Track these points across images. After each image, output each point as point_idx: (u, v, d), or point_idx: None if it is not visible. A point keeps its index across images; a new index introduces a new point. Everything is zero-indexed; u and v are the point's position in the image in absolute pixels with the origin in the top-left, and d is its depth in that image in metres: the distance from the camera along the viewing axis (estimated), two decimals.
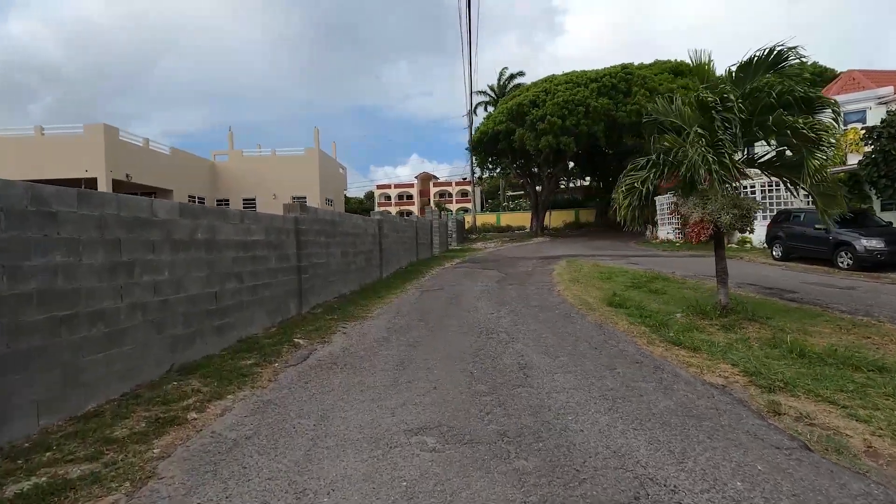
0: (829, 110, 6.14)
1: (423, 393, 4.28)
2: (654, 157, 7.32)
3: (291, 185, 28.45)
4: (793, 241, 14.88)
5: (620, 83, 28.23)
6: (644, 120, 8.14)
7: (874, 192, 15.64)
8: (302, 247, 8.32)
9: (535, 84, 31.96)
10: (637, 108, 27.36)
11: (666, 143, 7.37)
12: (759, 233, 18.77)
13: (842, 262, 12.88)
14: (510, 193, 61.97)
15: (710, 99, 6.04)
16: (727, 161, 5.93)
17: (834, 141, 5.65)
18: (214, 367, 5.07)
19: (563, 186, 46.26)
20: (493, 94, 48.77)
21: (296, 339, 6.38)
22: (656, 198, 25.53)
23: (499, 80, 48.89)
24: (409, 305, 8.93)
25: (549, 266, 14.81)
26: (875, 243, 12.18)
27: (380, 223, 13.52)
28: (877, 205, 15.98)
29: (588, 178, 52.48)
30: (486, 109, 47.84)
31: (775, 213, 16.84)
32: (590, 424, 3.54)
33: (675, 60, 35.81)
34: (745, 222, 7.04)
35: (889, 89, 17.43)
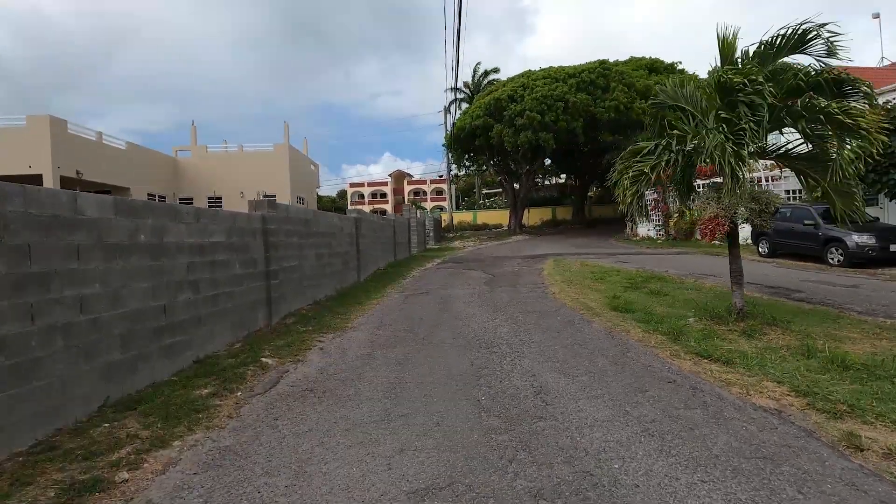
0: (862, 95, 5.57)
1: (423, 432, 3.44)
2: (663, 141, 6.66)
3: (260, 183, 27.01)
4: (780, 238, 14.63)
5: (599, 79, 27.89)
6: (651, 102, 7.47)
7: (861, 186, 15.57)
8: (271, 249, 7.34)
9: (511, 79, 31.36)
10: (616, 104, 27.14)
11: (676, 131, 6.73)
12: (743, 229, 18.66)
13: (832, 259, 12.64)
14: (486, 191, 61.49)
15: (736, 80, 5.37)
16: (744, 153, 5.27)
17: (872, 128, 5.05)
18: (161, 401, 4.10)
19: (539, 184, 45.92)
20: (467, 91, 48.08)
21: (263, 358, 5.43)
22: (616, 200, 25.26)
23: (473, 76, 48.29)
24: (394, 313, 8.05)
25: (535, 265, 14.14)
26: (866, 239, 11.95)
27: (357, 222, 12.57)
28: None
29: (564, 176, 52.49)
30: (460, 107, 47.16)
31: None
32: (644, 475, 2.78)
33: (649, 58, 35.98)
34: (764, 217, 6.46)
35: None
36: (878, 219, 13.95)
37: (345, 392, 4.34)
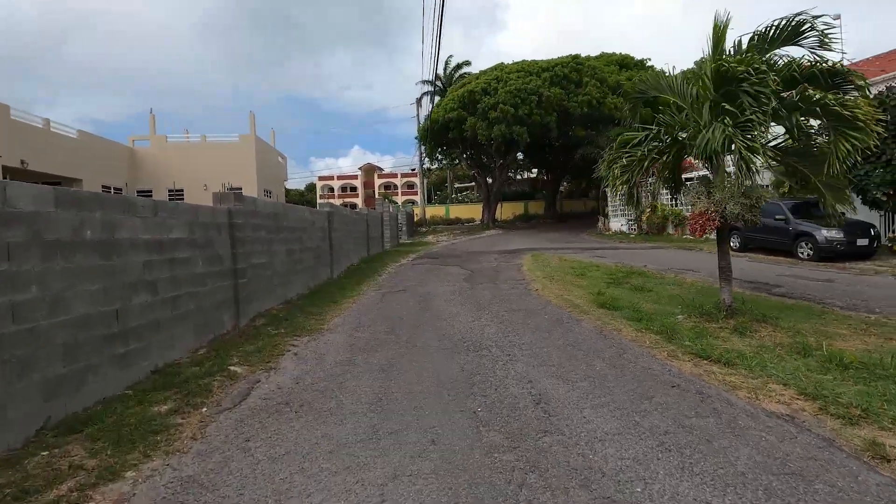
0: (854, 87, 5.48)
1: (418, 453, 3.07)
2: (653, 130, 6.46)
3: (225, 175, 25.81)
4: (751, 233, 14.86)
5: (572, 73, 27.90)
6: (630, 91, 7.25)
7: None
8: (238, 245, 6.78)
9: (484, 72, 31.05)
10: (588, 98, 27.22)
11: (664, 122, 6.55)
12: None
13: (802, 253, 12.91)
14: (458, 185, 61.21)
15: (739, 70, 5.17)
16: (757, 145, 5.10)
17: (869, 121, 4.94)
18: (112, 421, 3.58)
19: (512, 179, 45.91)
20: (440, 84, 47.55)
21: (232, 367, 4.93)
22: (605, 189, 25.18)
23: (445, 69, 47.71)
24: (372, 312, 7.61)
25: (514, 261, 13.91)
26: (835, 234, 12.23)
27: (329, 216, 12.01)
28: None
29: (535, 171, 52.68)
30: (432, 100, 46.59)
31: None
32: (671, 500, 2.49)
33: (620, 54, 36.38)
34: (755, 213, 6.34)
35: None
36: (843, 213, 14.33)
37: (325, 405, 3.91)
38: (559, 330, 6.04)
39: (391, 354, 5.25)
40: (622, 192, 6.68)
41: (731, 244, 15.66)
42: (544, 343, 5.47)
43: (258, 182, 26.77)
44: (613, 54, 35.74)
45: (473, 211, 44.03)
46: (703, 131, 5.80)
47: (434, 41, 52.68)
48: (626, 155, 6.50)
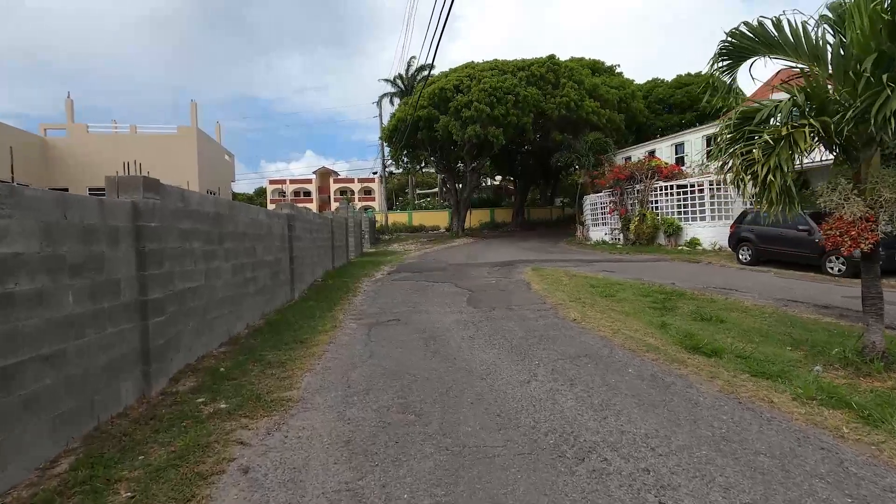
0: None
1: None
2: (794, 98, 4.45)
3: (161, 172, 22.15)
4: (765, 244, 13.48)
5: (548, 73, 26.40)
6: (724, 43, 5.20)
7: None
8: (151, 263, 4.19)
9: (454, 70, 29.02)
10: (567, 100, 25.76)
11: (804, 87, 4.56)
12: (708, 233, 17.65)
13: (832, 268, 11.52)
14: (419, 192, 58.94)
15: None
16: None
17: None
18: None
19: (482, 184, 44.16)
20: (401, 86, 45.23)
21: None
22: (586, 197, 23.81)
23: (407, 70, 45.52)
24: (363, 363, 5.15)
25: (513, 276, 11.72)
26: None
27: (290, 220, 9.40)
28: None
29: (499, 178, 51.15)
30: (392, 102, 44.17)
31: (741, 213, 15.58)
32: None
33: (589, 59, 35.53)
34: None
35: None
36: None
37: None
38: (676, 401, 3.85)
39: (426, 472, 2.86)
40: (746, 185, 4.60)
41: (741, 257, 14.25)
42: (679, 436, 3.26)
43: (200, 181, 23.32)
44: (583, 59, 34.80)
45: (438, 218, 41.86)
46: (880, 97, 3.85)
47: (406, 36, 50.28)
48: (754, 133, 4.46)
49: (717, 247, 16.99)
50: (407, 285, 10.76)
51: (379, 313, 7.69)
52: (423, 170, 51.35)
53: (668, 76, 39.80)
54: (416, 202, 51.46)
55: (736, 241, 14.48)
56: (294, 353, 5.46)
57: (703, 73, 41.63)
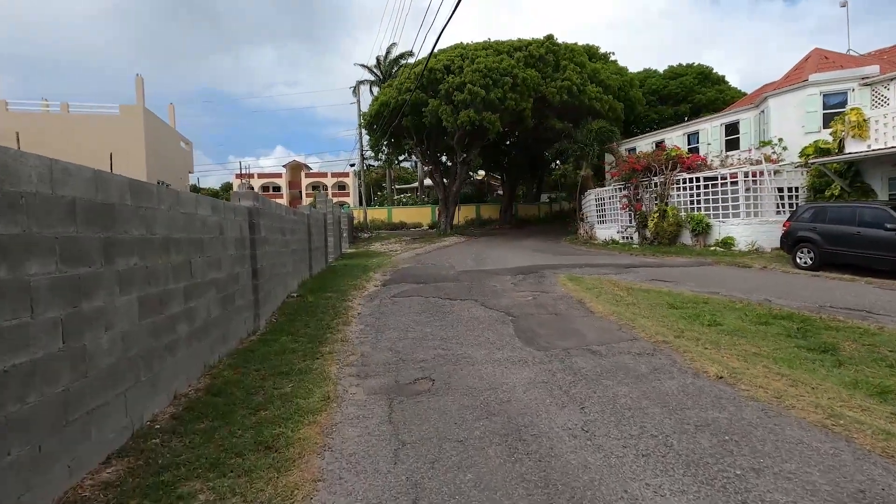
0: None
1: None
2: None
3: (99, 159, 18.69)
4: (832, 246, 11.33)
5: (548, 55, 23.98)
6: None
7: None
8: None
9: (444, 51, 26.24)
10: (569, 84, 23.38)
11: None
12: (743, 231, 15.51)
13: None
14: (398, 186, 55.92)
15: None
16: None
17: None
18: None
19: (471, 178, 41.51)
20: (378, 73, 42.13)
21: None
22: (588, 192, 21.40)
23: (385, 56, 42.44)
24: None
25: (550, 290, 9.07)
26: None
27: (252, 215, 6.54)
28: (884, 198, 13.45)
29: (482, 172, 48.57)
30: (371, 91, 41.06)
31: (796, 208, 13.44)
32: None
33: (584, 45, 33.29)
34: None
35: (875, 68, 15.24)
36: None
37: None
38: None
39: None
40: None
41: (800, 261, 12.05)
42: None
43: (148, 169, 19.85)
44: (576, 44, 32.59)
45: (420, 214, 39.10)
46: None
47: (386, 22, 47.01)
48: None
49: (755, 247, 14.86)
50: (416, 304, 8.00)
51: (394, 363, 4.95)
52: (402, 164, 48.28)
53: (659, 67, 37.99)
54: (396, 198, 48.42)
55: (793, 241, 12.29)
56: (258, 479, 2.69)
57: (694, 65, 40.30)
